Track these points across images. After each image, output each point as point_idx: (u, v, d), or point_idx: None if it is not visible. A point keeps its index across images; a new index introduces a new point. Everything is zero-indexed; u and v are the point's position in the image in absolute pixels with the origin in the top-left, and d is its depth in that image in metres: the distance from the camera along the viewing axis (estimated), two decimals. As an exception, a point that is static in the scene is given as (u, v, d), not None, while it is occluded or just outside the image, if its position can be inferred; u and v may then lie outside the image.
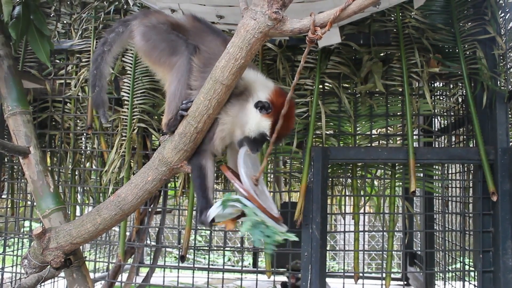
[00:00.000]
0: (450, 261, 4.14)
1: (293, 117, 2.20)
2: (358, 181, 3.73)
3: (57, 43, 3.98)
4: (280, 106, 2.07)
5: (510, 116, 3.50)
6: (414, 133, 3.69)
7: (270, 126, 2.10)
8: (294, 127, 2.14)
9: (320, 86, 3.68)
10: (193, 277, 3.98)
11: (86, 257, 2.86)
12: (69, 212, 3.93)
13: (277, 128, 2.07)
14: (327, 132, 3.74)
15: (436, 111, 3.87)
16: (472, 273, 3.75)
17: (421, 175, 3.65)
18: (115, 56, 2.53)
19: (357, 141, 3.73)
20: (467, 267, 3.74)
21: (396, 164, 3.66)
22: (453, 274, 3.98)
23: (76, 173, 4.13)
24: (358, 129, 3.74)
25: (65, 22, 4.19)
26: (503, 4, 3.67)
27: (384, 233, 3.80)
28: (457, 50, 3.59)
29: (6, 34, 3.01)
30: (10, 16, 2.92)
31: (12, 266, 4.27)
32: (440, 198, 4.19)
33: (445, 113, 4.06)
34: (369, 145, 3.74)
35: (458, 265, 3.92)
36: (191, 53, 2.22)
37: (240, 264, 5.36)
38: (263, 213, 2.02)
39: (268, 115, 2.10)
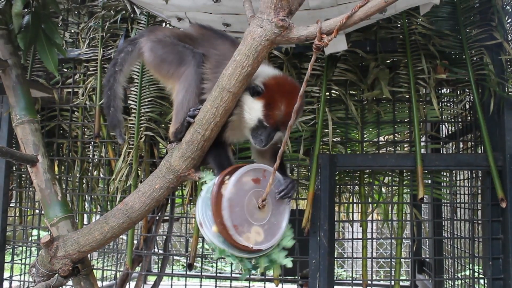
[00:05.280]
0: (459, 268, 4.11)
1: (290, 98, 1.99)
2: (366, 188, 3.72)
3: (66, 52, 4.00)
4: (276, 88, 2.05)
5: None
6: (422, 139, 3.68)
7: (262, 108, 2.05)
8: (296, 113, 1.99)
9: (327, 93, 3.68)
10: (200, 285, 3.98)
11: (94, 265, 2.86)
12: (77, 221, 3.94)
13: (272, 111, 2.03)
14: (334, 139, 3.73)
15: (443, 117, 3.86)
16: (481, 281, 3.72)
17: (429, 181, 3.63)
18: (126, 76, 2.54)
19: (365, 148, 3.73)
20: (476, 275, 3.71)
21: (404, 171, 3.64)
22: (463, 281, 3.95)
23: (84, 182, 4.14)
24: (365, 136, 3.74)
25: (72, 31, 4.23)
26: (510, 10, 3.66)
27: (392, 240, 3.78)
28: (464, 56, 3.58)
29: (15, 43, 3.03)
30: (19, 28, 2.95)
31: (20, 275, 4.28)
32: (448, 204, 4.17)
33: (452, 120, 4.04)
34: (377, 152, 3.73)
35: (467, 273, 3.90)
36: (198, 62, 2.22)
37: (247, 272, 5.34)
38: (221, 241, 1.99)
39: (260, 98, 2.06)
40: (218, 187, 1.96)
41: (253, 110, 2.08)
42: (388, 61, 3.75)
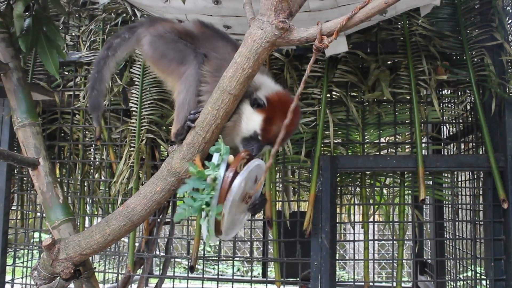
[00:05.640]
0: (461, 269, 4.10)
1: (291, 117, 1.82)
2: (367, 189, 3.72)
3: (66, 55, 4.00)
4: (277, 104, 2.05)
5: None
6: (423, 141, 3.68)
7: (261, 122, 2.05)
8: (291, 131, 2.01)
9: (328, 95, 3.68)
10: (202, 287, 3.97)
11: (95, 268, 2.86)
12: (78, 223, 3.94)
13: (271, 126, 2.03)
14: (335, 141, 3.73)
15: (444, 118, 3.86)
16: (484, 282, 3.71)
17: (431, 183, 3.62)
18: (118, 62, 2.51)
19: (366, 150, 3.73)
20: (478, 276, 3.71)
21: (405, 172, 3.64)
22: (465, 282, 3.94)
23: (85, 184, 4.14)
24: (366, 137, 3.74)
25: (73, 34, 4.23)
26: (510, 11, 3.66)
27: (394, 242, 3.78)
28: (464, 57, 3.58)
29: (16, 46, 3.04)
30: (21, 30, 2.96)
31: (22, 278, 4.28)
32: (450, 206, 4.16)
33: (453, 121, 4.04)
34: (378, 153, 3.72)
35: (469, 274, 3.89)
36: (199, 62, 2.21)
37: (249, 274, 5.36)
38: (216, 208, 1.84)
39: (260, 111, 2.06)
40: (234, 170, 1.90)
41: (251, 121, 2.08)
42: (389, 62, 3.75)
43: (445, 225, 4.56)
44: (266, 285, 4.02)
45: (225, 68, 1.99)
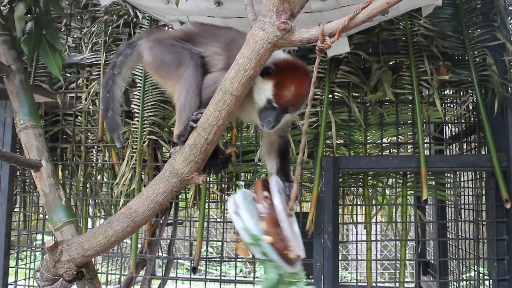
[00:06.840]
0: (464, 269, 4.09)
1: (300, 79, 2.07)
2: (370, 190, 3.71)
3: (68, 57, 4.01)
4: (286, 69, 2.07)
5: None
6: (425, 141, 3.67)
7: (272, 88, 2.06)
8: (303, 93, 2.06)
9: (330, 96, 3.68)
10: (205, 288, 3.97)
11: (98, 269, 2.87)
12: (81, 225, 3.94)
13: (282, 91, 2.06)
14: (338, 142, 3.72)
15: (447, 118, 3.85)
16: (487, 282, 3.70)
17: (433, 183, 3.62)
18: (125, 79, 2.53)
19: (368, 150, 3.72)
20: (481, 276, 3.70)
21: (408, 173, 3.64)
22: (468, 283, 3.93)
23: (88, 186, 4.15)
24: (368, 138, 3.73)
25: (75, 36, 4.24)
26: (512, 10, 3.66)
27: (397, 242, 3.77)
28: (466, 57, 3.57)
29: (18, 49, 3.05)
30: (22, 32, 2.96)
31: (24, 279, 4.28)
32: (452, 206, 4.16)
33: (456, 121, 4.03)
34: (380, 154, 3.72)
35: (472, 274, 3.88)
36: (196, 62, 2.22)
37: (252, 275, 5.35)
38: (275, 253, 1.95)
39: (269, 78, 2.08)
40: (263, 201, 2.01)
41: (263, 90, 2.09)
42: (391, 62, 3.75)
43: (447, 225, 4.55)
44: (269, 286, 4.01)
45: (235, 44, 2.04)
